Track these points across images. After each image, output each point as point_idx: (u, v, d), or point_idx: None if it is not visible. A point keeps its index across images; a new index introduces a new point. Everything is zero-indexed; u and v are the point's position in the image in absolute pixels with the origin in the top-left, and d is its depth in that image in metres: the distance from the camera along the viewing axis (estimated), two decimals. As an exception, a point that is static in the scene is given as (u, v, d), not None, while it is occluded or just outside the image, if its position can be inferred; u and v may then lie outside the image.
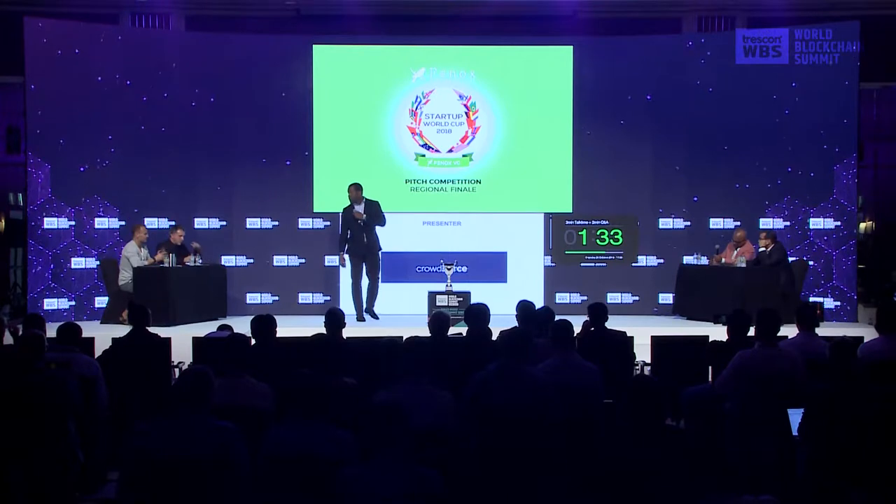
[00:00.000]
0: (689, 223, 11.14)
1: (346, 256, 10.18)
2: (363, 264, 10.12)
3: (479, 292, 9.50)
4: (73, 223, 10.59)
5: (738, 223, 10.79)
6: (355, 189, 10.09)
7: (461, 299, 9.65)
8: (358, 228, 10.03)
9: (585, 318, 6.68)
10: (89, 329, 8.16)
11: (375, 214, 10.13)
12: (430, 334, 5.76)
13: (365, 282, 10.20)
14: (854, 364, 4.47)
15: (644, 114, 11.10)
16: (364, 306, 10.11)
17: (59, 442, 4.35)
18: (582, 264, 11.20)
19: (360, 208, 10.03)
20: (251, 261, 11.18)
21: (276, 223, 11.06)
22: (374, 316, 10.14)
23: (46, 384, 4.41)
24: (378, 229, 10.40)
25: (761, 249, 10.09)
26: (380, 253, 10.27)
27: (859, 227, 12.22)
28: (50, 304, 10.39)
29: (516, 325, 5.94)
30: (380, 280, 10.28)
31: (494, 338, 5.64)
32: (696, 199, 11.08)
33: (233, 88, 10.99)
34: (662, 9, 11.95)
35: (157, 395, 5.20)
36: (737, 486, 4.42)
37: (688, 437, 4.21)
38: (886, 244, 12.88)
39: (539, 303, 7.43)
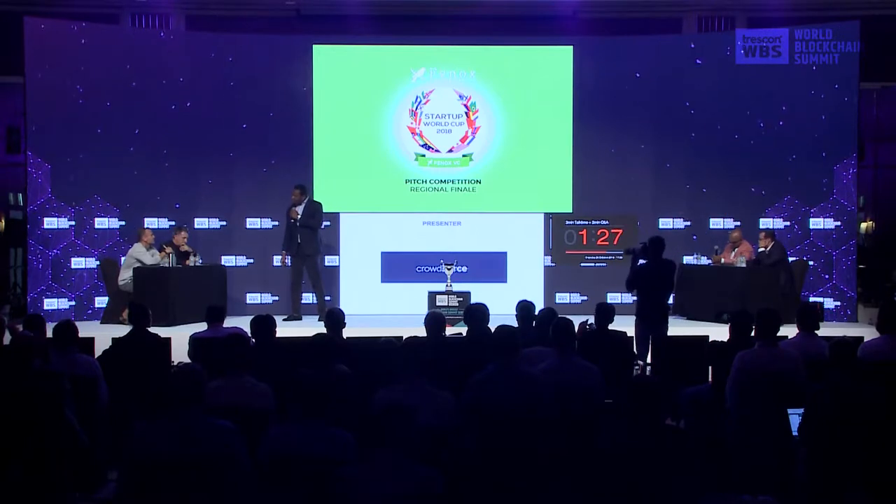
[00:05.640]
0: (689, 223, 11.15)
1: (288, 256, 10.28)
2: (302, 267, 10.20)
3: (479, 292, 9.51)
4: (73, 223, 10.59)
5: (739, 223, 10.80)
6: (300, 193, 10.22)
7: (461, 299, 9.65)
8: (293, 228, 10.14)
9: (585, 317, 6.68)
10: (89, 329, 8.20)
11: (309, 216, 10.16)
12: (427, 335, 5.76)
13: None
14: (854, 364, 4.47)
15: (644, 114, 11.10)
16: (318, 315, 9.92)
17: (58, 440, 4.35)
18: (582, 264, 11.20)
19: (298, 209, 10.11)
20: (251, 261, 11.19)
21: (276, 223, 11.06)
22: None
23: (42, 384, 4.40)
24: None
25: (761, 249, 10.09)
26: (317, 258, 10.33)
27: (859, 227, 12.22)
28: (50, 304, 10.39)
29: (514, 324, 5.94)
30: (321, 288, 10.26)
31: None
32: (695, 199, 11.09)
33: (233, 88, 11.00)
34: (662, 9, 11.96)
35: (153, 396, 5.19)
36: (737, 486, 4.42)
37: (688, 437, 4.20)
38: (886, 244, 12.88)
39: (539, 303, 7.44)
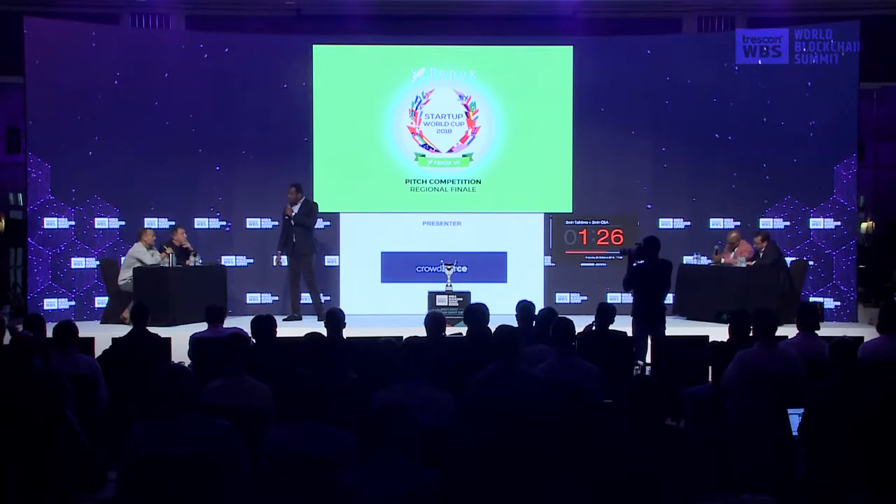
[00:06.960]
0: (689, 223, 11.15)
1: (284, 255, 10.28)
2: (298, 266, 10.20)
3: (479, 292, 9.50)
4: (73, 223, 10.59)
5: (738, 223, 10.80)
6: (296, 191, 10.21)
7: (461, 299, 9.65)
8: (289, 227, 10.14)
9: (586, 317, 6.68)
10: (89, 329, 8.20)
11: (305, 214, 10.18)
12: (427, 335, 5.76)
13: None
14: (854, 364, 4.47)
15: (644, 114, 11.10)
16: (316, 314, 9.99)
17: (58, 440, 4.35)
18: (582, 264, 11.20)
19: (295, 208, 10.13)
20: (251, 261, 11.19)
21: (276, 223, 11.05)
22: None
23: (42, 384, 4.40)
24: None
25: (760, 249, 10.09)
26: (312, 257, 10.34)
27: (859, 227, 12.22)
28: (50, 304, 10.39)
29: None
30: (315, 286, 10.28)
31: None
32: (695, 199, 11.09)
33: (233, 88, 10.99)
34: (662, 9, 11.96)
35: (146, 397, 5.19)
36: (737, 486, 4.42)
37: (688, 437, 4.20)
38: (886, 244, 12.88)
39: (539, 303, 7.44)
